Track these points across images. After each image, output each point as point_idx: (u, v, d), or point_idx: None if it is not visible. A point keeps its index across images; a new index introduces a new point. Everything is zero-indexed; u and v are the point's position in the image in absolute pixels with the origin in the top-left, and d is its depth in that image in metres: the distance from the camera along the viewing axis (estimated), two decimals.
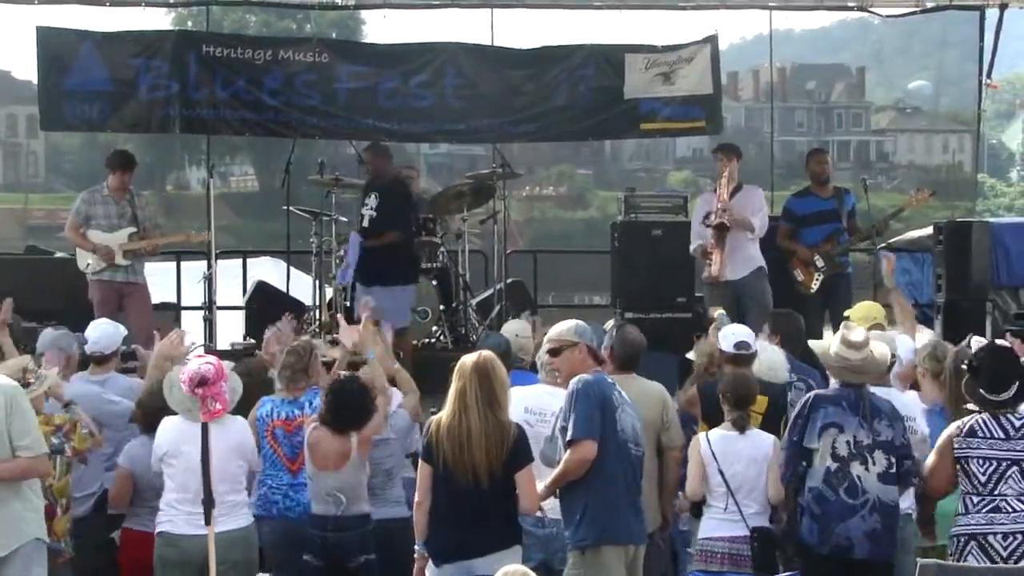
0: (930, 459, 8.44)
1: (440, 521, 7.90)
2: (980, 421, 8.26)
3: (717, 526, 8.92)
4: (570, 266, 20.30)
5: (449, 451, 7.80)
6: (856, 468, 8.43)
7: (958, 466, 8.24)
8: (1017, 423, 8.22)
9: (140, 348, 10.82)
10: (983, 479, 8.16)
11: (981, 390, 8.30)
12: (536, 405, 8.92)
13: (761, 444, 8.96)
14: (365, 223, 14.01)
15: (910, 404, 9.37)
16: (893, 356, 9.51)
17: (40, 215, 64.33)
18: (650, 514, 9.23)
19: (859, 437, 8.44)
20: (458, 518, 7.85)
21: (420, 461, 8.02)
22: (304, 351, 9.58)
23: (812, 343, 9.34)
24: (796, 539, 8.58)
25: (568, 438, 8.08)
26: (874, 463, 8.46)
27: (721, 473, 8.87)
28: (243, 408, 9.24)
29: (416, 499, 7.99)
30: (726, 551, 8.82)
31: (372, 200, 14.03)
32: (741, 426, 8.99)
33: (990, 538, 8.08)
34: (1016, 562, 7.95)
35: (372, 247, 13.78)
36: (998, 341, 8.99)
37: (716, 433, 9.03)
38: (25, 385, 8.38)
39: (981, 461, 8.18)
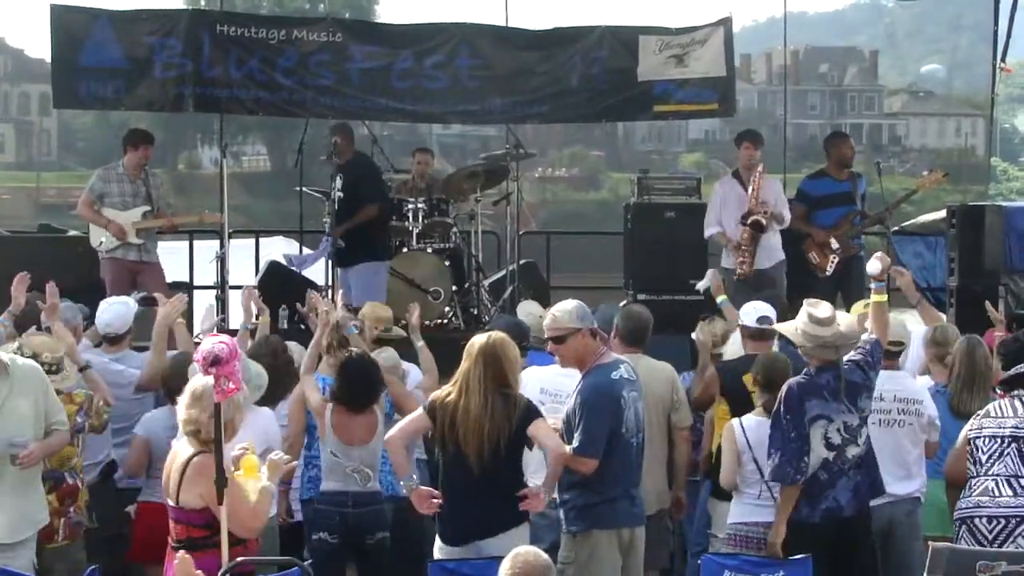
0: (956, 446, 8.58)
1: (448, 501, 7.91)
2: (997, 402, 8.36)
3: (751, 511, 8.86)
4: (582, 247, 20.30)
5: (444, 427, 7.87)
6: (851, 451, 8.44)
7: (968, 448, 8.30)
8: None
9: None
10: (984, 458, 8.24)
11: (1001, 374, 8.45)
12: (552, 386, 8.95)
13: None
14: (336, 205, 14.05)
15: (919, 388, 9.41)
16: (902, 343, 9.55)
17: (53, 193, 64.54)
18: (658, 495, 9.26)
19: (849, 421, 8.42)
20: (463, 497, 7.89)
21: (420, 410, 8.06)
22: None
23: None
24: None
25: (573, 448, 8.07)
26: (862, 436, 8.50)
27: (755, 460, 8.84)
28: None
29: (395, 432, 8.04)
30: (761, 536, 8.73)
31: (339, 182, 14.07)
32: (771, 409, 8.94)
33: (976, 521, 8.17)
34: (1000, 545, 8.00)
35: (349, 229, 13.96)
36: None
37: (750, 419, 8.97)
38: (56, 372, 8.69)
39: (988, 440, 8.29)
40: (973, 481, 8.28)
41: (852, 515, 8.45)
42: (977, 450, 8.30)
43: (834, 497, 8.40)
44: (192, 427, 7.26)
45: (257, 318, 10.57)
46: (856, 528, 8.50)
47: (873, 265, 8.96)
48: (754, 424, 8.93)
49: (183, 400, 7.36)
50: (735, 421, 9.01)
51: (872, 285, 8.93)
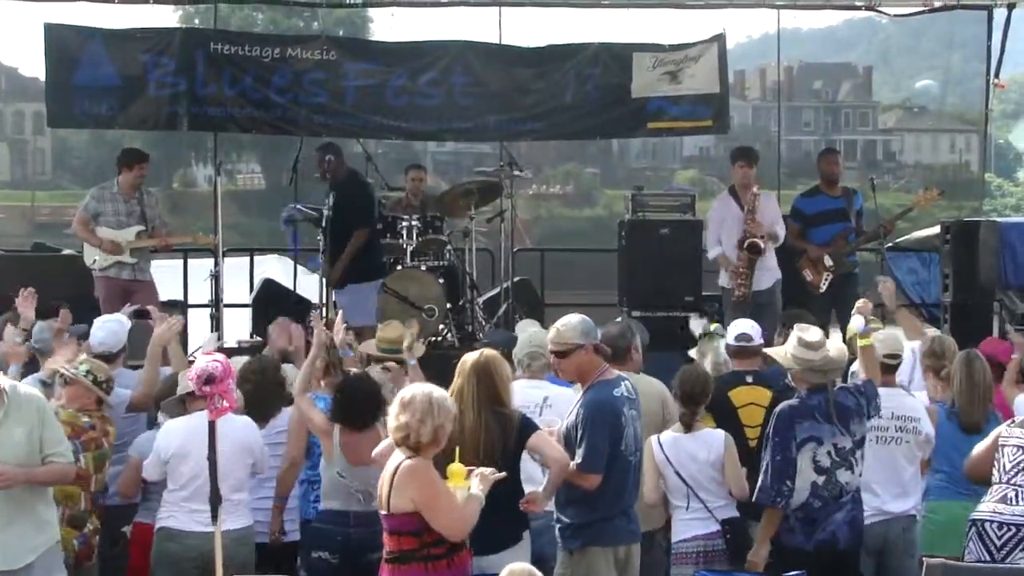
0: (982, 443, 8.55)
1: None
2: None
3: (685, 527, 8.88)
4: (577, 264, 20.25)
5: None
6: (843, 475, 8.45)
7: (995, 455, 8.32)
8: None
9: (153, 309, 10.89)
10: (1009, 467, 8.25)
11: None
12: (520, 401, 8.82)
13: (712, 444, 8.89)
14: (323, 223, 14.01)
15: (915, 405, 9.39)
16: (898, 356, 9.54)
17: (47, 212, 64.33)
18: (652, 512, 9.23)
19: (840, 444, 8.43)
20: None
21: None
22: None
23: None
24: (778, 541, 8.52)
25: (576, 464, 8.07)
26: (857, 463, 8.49)
27: (678, 475, 8.82)
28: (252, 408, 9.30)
29: (385, 448, 7.88)
30: (700, 550, 8.78)
31: (330, 199, 13.98)
32: (687, 423, 8.92)
33: (987, 525, 8.18)
34: (1008, 553, 8.01)
35: (345, 250, 13.92)
36: None
37: (667, 435, 8.98)
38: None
39: (1015, 449, 8.28)
40: (994, 487, 8.29)
41: (845, 548, 8.48)
42: (1004, 457, 8.31)
43: (832, 531, 8.42)
44: (402, 433, 7.23)
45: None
46: (848, 559, 8.56)
47: (856, 321, 9.02)
48: (671, 440, 8.94)
49: (393, 409, 7.33)
50: (653, 438, 8.97)
51: (859, 329, 8.97)
